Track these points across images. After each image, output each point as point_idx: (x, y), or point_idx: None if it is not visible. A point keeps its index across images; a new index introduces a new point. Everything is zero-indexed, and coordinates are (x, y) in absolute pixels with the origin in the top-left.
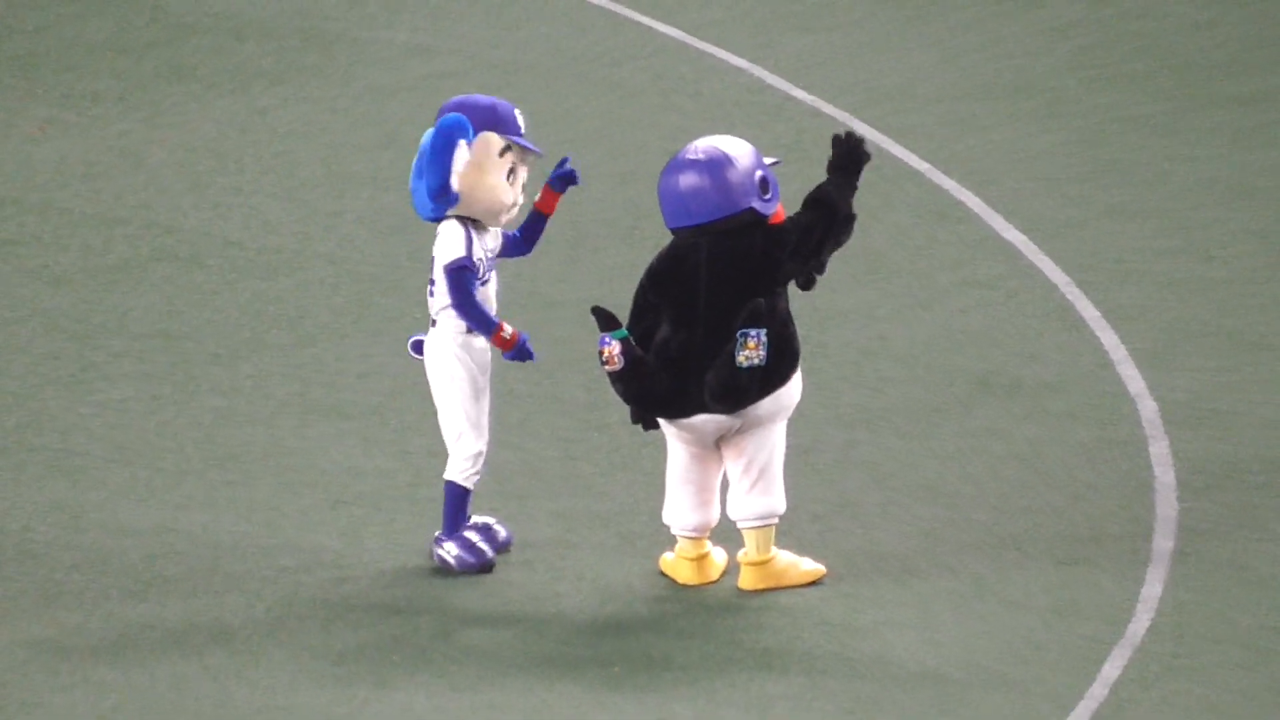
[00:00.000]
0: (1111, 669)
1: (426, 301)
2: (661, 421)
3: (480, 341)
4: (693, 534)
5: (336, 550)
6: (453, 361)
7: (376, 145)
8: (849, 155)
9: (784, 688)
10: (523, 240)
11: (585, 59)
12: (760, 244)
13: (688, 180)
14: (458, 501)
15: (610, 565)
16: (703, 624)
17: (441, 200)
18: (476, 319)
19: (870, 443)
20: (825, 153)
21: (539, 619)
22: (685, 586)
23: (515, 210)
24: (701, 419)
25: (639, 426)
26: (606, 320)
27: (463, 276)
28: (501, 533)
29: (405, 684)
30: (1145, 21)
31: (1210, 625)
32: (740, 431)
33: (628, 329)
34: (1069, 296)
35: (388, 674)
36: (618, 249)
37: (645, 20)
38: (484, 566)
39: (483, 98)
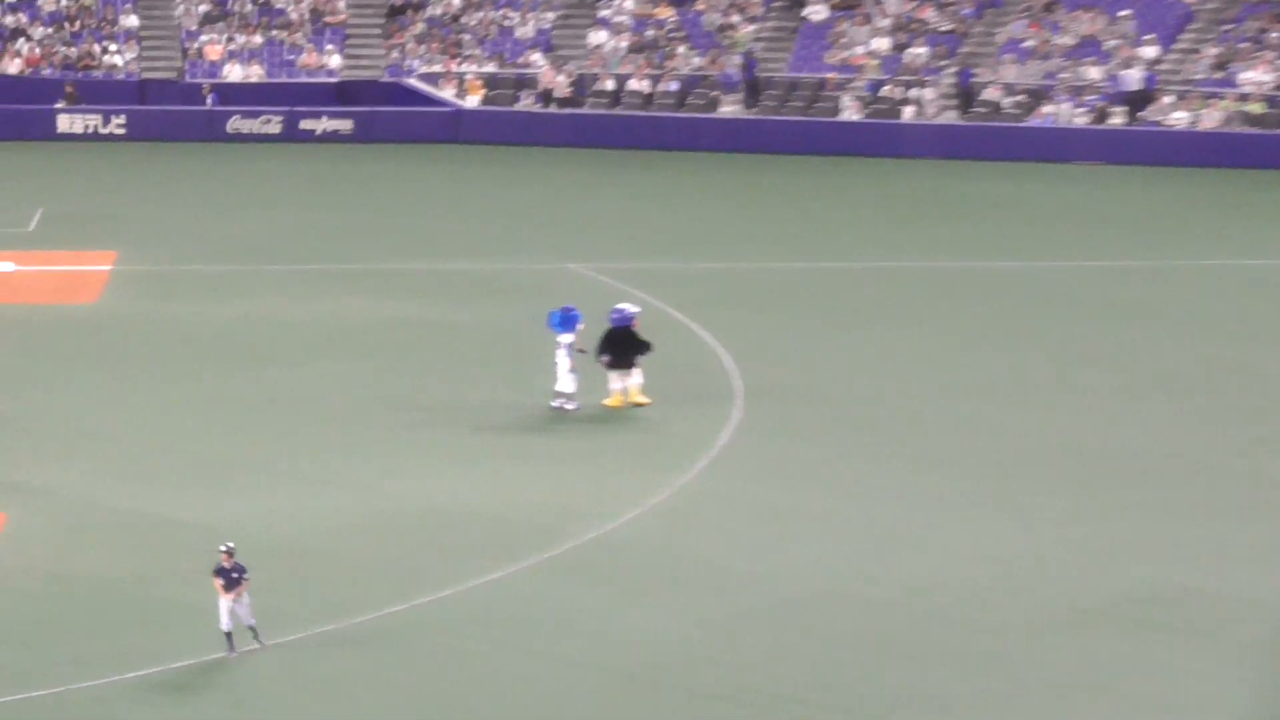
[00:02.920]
0: (722, 437)
1: None
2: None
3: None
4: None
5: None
6: (566, 363)
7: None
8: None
9: (599, 447)
10: None
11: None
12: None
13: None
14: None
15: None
16: None
17: (571, 330)
18: (574, 352)
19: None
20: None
21: None
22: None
23: None
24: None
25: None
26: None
27: (571, 346)
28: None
29: None
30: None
31: (754, 435)
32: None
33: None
34: (704, 338)
35: None
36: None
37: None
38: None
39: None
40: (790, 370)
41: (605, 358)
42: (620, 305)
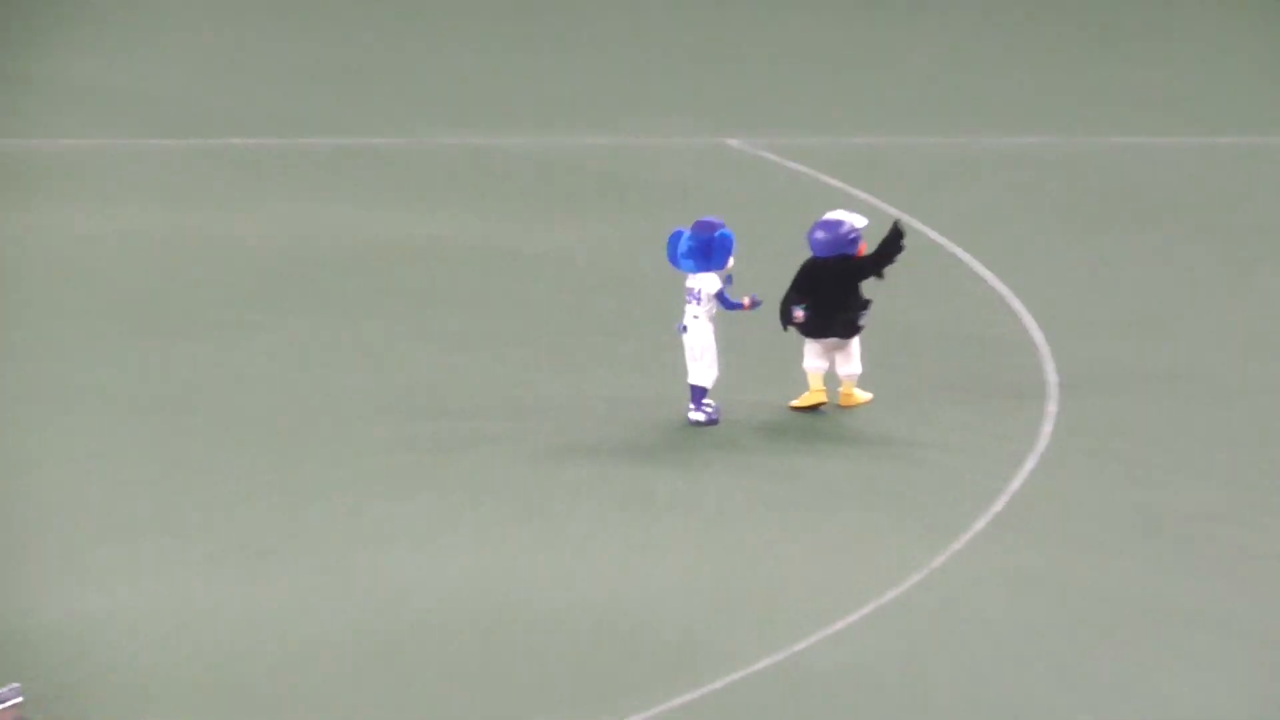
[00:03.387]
0: (1029, 463)
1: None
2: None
3: (710, 326)
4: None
5: None
6: (710, 333)
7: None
8: (889, 244)
9: (872, 468)
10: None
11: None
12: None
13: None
14: (701, 393)
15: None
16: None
17: (720, 267)
18: (734, 306)
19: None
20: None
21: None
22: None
23: None
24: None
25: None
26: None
27: (724, 294)
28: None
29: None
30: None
31: (1077, 444)
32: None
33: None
34: (1001, 294)
35: None
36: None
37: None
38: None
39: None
40: (1147, 338)
41: (800, 312)
42: (831, 215)
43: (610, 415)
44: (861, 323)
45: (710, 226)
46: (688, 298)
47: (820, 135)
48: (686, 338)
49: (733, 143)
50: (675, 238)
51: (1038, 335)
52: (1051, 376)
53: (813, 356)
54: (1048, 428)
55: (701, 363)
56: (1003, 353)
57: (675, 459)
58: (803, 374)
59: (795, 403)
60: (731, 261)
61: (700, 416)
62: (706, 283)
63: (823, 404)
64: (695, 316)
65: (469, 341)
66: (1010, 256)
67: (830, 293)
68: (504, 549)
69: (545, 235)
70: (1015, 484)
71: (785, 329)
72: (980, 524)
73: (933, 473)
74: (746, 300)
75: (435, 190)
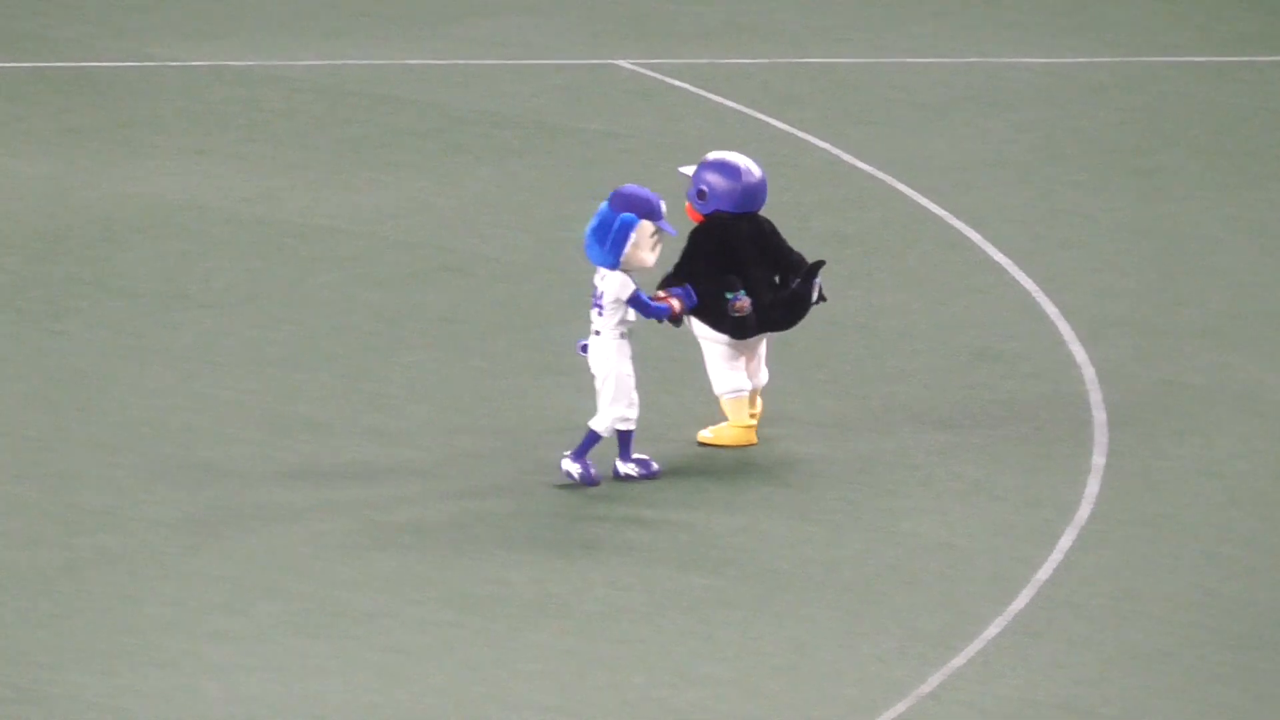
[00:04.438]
0: (1065, 540)
1: (591, 316)
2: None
3: (625, 344)
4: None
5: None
6: (617, 354)
7: (583, 196)
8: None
9: (836, 551)
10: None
11: (721, 143)
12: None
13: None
14: (592, 441)
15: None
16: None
17: (612, 264)
18: (656, 313)
19: (906, 393)
20: (878, 207)
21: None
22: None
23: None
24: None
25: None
26: (733, 285)
27: (639, 298)
28: (654, 465)
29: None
30: (1082, 121)
31: (1128, 512)
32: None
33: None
34: (1035, 298)
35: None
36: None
37: (761, 117)
38: (593, 483)
39: (646, 193)
40: (1232, 351)
41: (743, 300)
42: (724, 156)
43: (449, 468)
44: (816, 298)
45: (626, 200)
46: (594, 292)
47: (734, 54)
48: (590, 359)
49: (624, 63)
50: (599, 220)
51: (1076, 348)
52: (1098, 411)
53: (737, 368)
54: (1092, 486)
55: (604, 396)
56: (1028, 373)
57: (547, 536)
58: (723, 396)
59: (711, 438)
60: (648, 238)
61: (630, 470)
62: (612, 283)
63: (749, 433)
64: (597, 331)
65: (223, 362)
66: (1016, 223)
67: (759, 264)
68: (288, 672)
69: (342, 198)
70: (1043, 572)
71: (679, 324)
72: (992, 630)
73: (927, 555)
74: (675, 302)
75: (171, 133)
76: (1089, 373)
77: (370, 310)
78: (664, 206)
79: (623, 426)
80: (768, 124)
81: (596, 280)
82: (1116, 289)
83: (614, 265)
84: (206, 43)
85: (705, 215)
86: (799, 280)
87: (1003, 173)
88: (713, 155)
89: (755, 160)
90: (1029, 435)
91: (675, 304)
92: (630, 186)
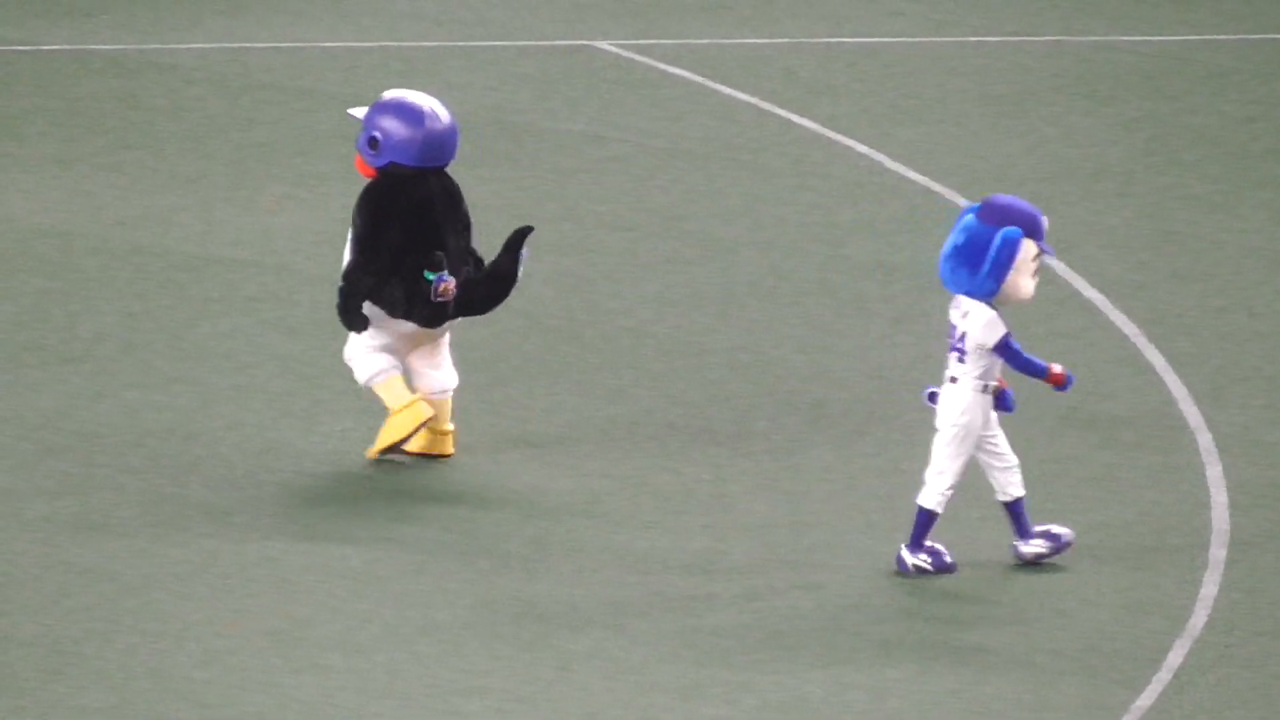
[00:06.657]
0: (1174, 657)
1: (951, 361)
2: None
3: (986, 400)
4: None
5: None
6: (970, 413)
7: (558, 218)
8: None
9: (900, 671)
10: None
11: (732, 146)
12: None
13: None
14: (927, 521)
15: (755, 571)
16: (832, 617)
17: (991, 290)
18: (1034, 370)
19: (972, 467)
20: (936, 229)
21: (695, 610)
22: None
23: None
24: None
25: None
26: (440, 262)
27: (1012, 346)
28: (1065, 534)
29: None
30: (1200, 116)
31: (1258, 621)
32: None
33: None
34: (1137, 345)
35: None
36: (760, 305)
37: (784, 113)
38: (947, 569)
39: (1026, 205)
40: None
41: (449, 282)
42: (398, 96)
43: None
44: (521, 270)
45: (1003, 212)
46: (950, 344)
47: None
48: (938, 411)
49: (604, 45)
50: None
51: (1191, 410)
52: (1218, 491)
53: (376, 349)
54: (1209, 588)
55: (937, 459)
56: (1130, 442)
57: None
58: (368, 391)
59: (382, 442)
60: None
61: (923, 561)
62: (976, 322)
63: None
64: (953, 378)
65: (92, 433)
66: (1115, 249)
67: (455, 233)
68: None
69: (246, 221)
70: (1145, 698)
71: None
72: None
73: (1000, 679)
74: (1057, 367)
75: (24, 138)
76: (1204, 439)
77: (282, 365)
78: (1046, 223)
79: (939, 501)
80: (793, 122)
81: (955, 316)
82: (1245, 333)
83: (994, 292)
84: (69, 21)
85: (378, 169)
86: (501, 252)
87: (1098, 185)
88: (390, 94)
89: (444, 104)
90: (1131, 522)
91: (1057, 368)
92: (1003, 196)
